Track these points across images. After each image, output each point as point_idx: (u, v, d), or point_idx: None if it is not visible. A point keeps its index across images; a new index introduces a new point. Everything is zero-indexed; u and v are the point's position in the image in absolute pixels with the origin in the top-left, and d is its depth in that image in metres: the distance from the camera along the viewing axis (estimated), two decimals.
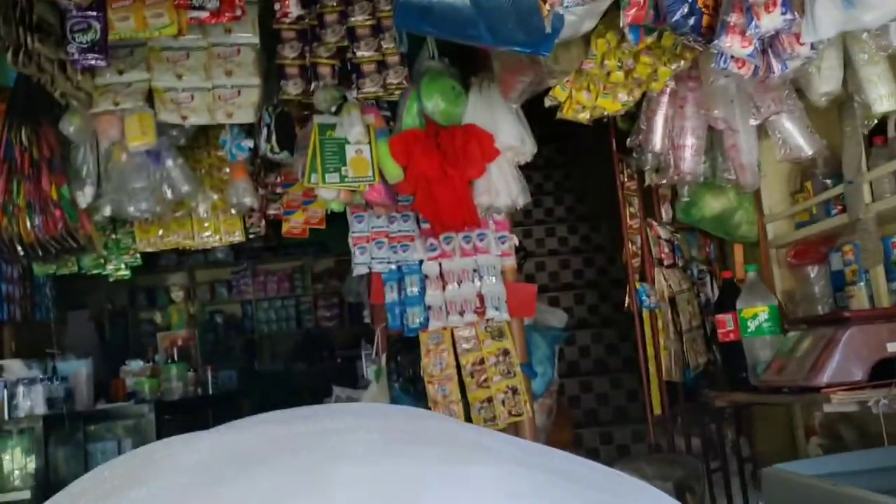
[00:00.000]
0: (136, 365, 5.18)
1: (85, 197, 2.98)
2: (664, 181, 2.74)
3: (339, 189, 3.06)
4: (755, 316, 2.64)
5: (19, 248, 2.94)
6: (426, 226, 3.90)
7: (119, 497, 0.57)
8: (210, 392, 5.57)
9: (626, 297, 3.65)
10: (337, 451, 0.62)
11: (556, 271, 6.44)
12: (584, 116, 2.70)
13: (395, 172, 3.08)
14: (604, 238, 6.67)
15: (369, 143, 3.05)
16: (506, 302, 3.90)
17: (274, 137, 3.08)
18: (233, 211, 3.98)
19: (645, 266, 3.58)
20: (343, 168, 3.01)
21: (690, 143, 2.53)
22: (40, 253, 2.99)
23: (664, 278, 3.49)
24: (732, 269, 3.49)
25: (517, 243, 4.07)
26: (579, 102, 2.62)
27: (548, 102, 2.78)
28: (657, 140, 2.60)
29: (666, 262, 3.54)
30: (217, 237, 3.99)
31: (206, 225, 3.96)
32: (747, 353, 2.68)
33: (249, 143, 3.19)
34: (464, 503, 0.54)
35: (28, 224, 2.92)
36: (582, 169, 6.92)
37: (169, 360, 5.54)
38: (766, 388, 2.43)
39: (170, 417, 4.50)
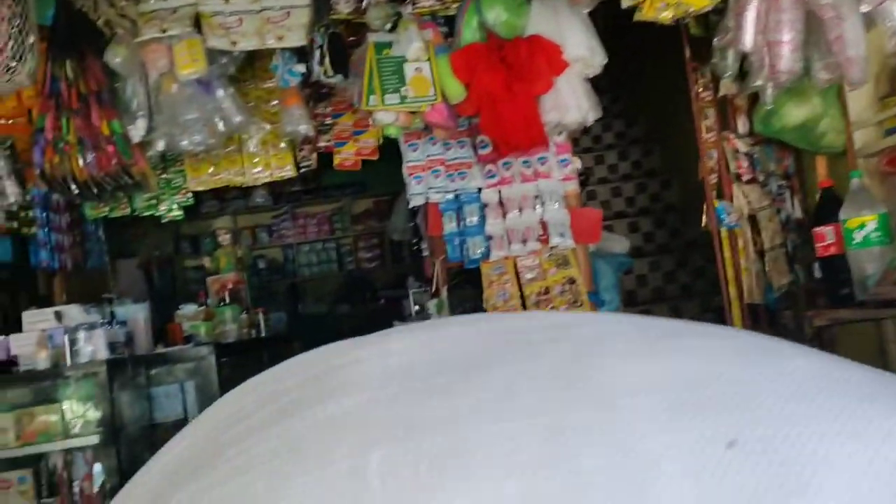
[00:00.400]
0: (189, 309, 5.12)
1: (137, 130, 2.86)
2: (757, 83, 2.52)
3: (398, 111, 2.90)
4: (861, 226, 2.45)
5: (73, 186, 2.83)
6: (485, 151, 3.74)
7: (312, 411, 0.44)
8: (263, 334, 5.50)
9: (703, 217, 3.47)
10: (593, 349, 0.48)
11: (608, 199, 6.24)
12: (666, 16, 2.50)
13: (456, 91, 2.91)
14: (657, 162, 6.44)
15: (428, 60, 2.88)
16: (570, 228, 3.75)
17: (327, 60, 2.92)
18: (282, 145, 3.86)
19: (722, 183, 3.39)
20: (403, 88, 2.85)
21: (788, 38, 2.31)
22: (95, 191, 2.88)
23: (743, 195, 3.29)
24: (813, 182, 3.29)
25: (580, 167, 3.90)
26: (663, 0, 2.41)
27: (626, 3, 2.57)
28: (748, 38, 2.39)
29: (744, 178, 3.34)
30: (267, 173, 3.87)
31: (256, 161, 3.84)
32: (852, 267, 2.50)
33: (301, 68, 3.03)
34: (840, 405, 0.40)
35: (80, 161, 2.81)
36: (630, 92, 6.65)
37: (221, 303, 5.48)
38: (878, 302, 2.26)
39: (227, 359, 4.43)
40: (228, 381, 4.35)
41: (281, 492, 0.39)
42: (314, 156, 3.86)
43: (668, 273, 5.80)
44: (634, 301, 5.68)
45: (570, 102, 2.96)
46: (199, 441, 0.47)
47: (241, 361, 4.94)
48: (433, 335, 0.55)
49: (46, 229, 5.85)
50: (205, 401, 4.13)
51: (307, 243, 10.58)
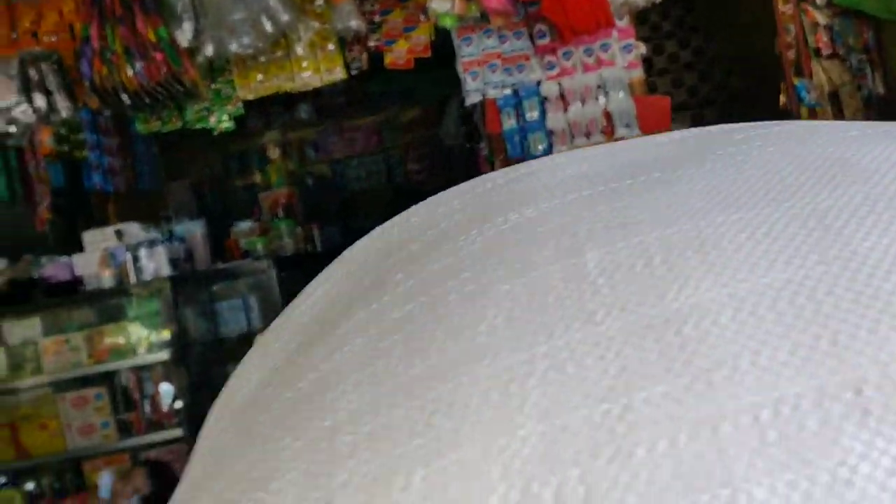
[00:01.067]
0: (244, 225, 5.10)
1: (185, 34, 2.74)
2: None
3: None
4: None
5: (124, 96, 2.74)
6: (543, 41, 3.55)
7: (490, 224, 0.34)
8: (318, 248, 5.47)
9: (781, 96, 3.25)
10: (823, 136, 0.36)
11: (668, 91, 5.98)
12: None
13: None
14: (720, 48, 6.13)
15: None
16: (636, 118, 3.57)
17: None
18: (331, 47, 3.70)
19: (801, 59, 3.16)
20: None
21: None
22: (147, 101, 2.79)
23: (823, 70, 3.07)
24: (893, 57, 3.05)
25: (644, 52, 3.68)
26: None
27: None
28: None
29: (824, 53, 3.11)
30: (317, 77, 3.72)
31: (304, 65, 3.69)
32: None
33: None
34: None
35: (129, 71, 2.71)
36: None
37: (275, 218, 5.46)
38: None
39: (285, 273, 4.40)
40: (289, 294, 4.35)
41: (479, 301, 0.30)
42: (364, 56, 3.70)
43: None
44: None
45: None
46: (352, 278, 0.37)
47: (298, 275, 4.94)
48: (612, 147, 0.44)
49: (98, 152, 5.84)
50: (268, 314, 4.13)
51: (355, 157, 10.48)
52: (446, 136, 6.91)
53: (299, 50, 3.63)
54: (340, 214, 9.84)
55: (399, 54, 3.71)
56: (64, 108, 2.88)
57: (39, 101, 2.81)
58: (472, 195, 0.41)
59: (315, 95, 10.23)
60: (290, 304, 0.49)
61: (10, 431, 3.53)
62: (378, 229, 0.45)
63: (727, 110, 5.77)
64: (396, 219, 0.45)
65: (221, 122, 3.85)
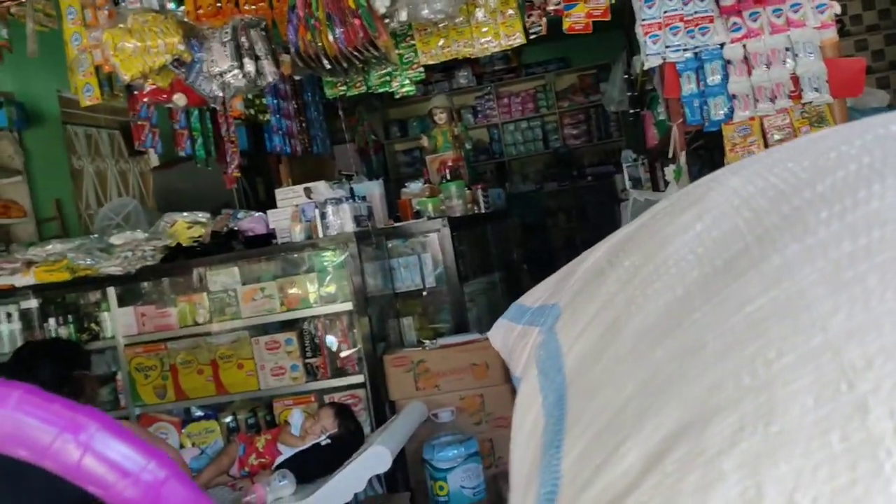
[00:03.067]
0: (415, 186, 5.27)
1: (384, 1, 2.89)
2: None
3: None
4: None
5: (325, 62, 2.93)
6: (729, 1, 3.47)
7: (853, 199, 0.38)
8: (483, 210, 5.58)
9: None
10: None
11: (852, 54, 5.65)
12: None
13: None
14: None
15: None
16: (826, 81, 3.44)
17: None
18: (510, 12, 3.78)
19: None
20: None
21: None
22: (345, 65, 2.97)
23: None
24: None
25: (838, 11, 3.53)
26: None
27: None
28: None
29: None
30: (496, 42, 3.81)
31: (484, 30, 3.79)
32: None
33: None
34: None
35: (330, 36, 2.89)
36: None
37: (443, 181, 5.61)
38: None
39: (456, 233, 4.54)
40: (459, 253, 4.49)
41: None
42: (543, 21, 3.75)
43: None
44: None
45: None
46: (744, 218, 0.42)
47: (467, 235, 5.09)
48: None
49: (278, 116, 6.21)
50: (441, 272, 4.30)
51: (512, 122, 10.55)
52: (609, 103, 6.83)
53: (480, 15, 3.73)
54: (497, 178, 9.97)
55: (578, 18, 3.73)
56: (270, 73, 3.11)
57: (249, 66, 3.05)
58: (874, 137, 0.44)
59: (473, 62, 10.37)
60: (637, 233, 0.55)
61: (212, 369, 3.89)
62: (736, 178, 0.49)
63: None
64: (760, 165, 0.49)
65: (403, 86, 4.01)
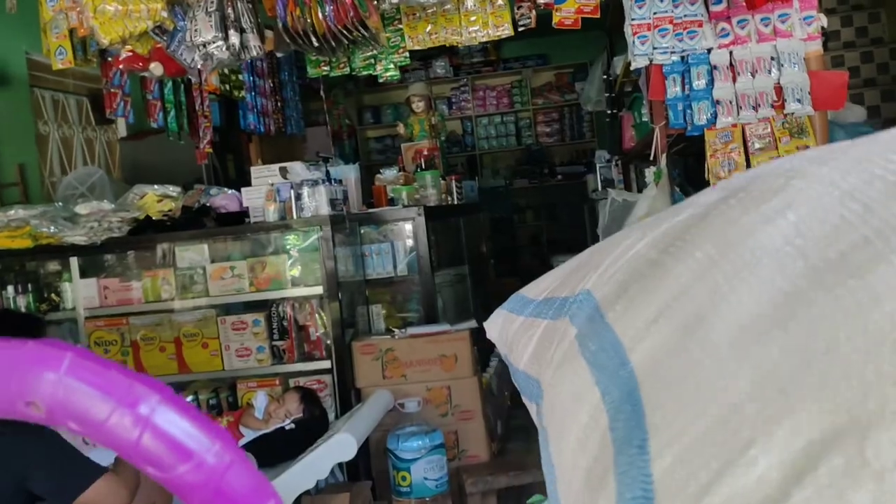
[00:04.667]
0: (389, 174, 5.22)
1: None
2: None
3: None
4: None
5: (313, 39, 2.87)
6: (719, 7, 3.47)
7: None
8: (456, 201, 5.54)
9: None
10: None
11: (857, 66, 5.69)
12: None
13: None
14: (885, 30, 5.81)
15: None
16: (809, 93, 3.46)
17: None
18: (500, 2, 3.74)
19: None
20: None
21: None
22: (333, 44, 2.90)
23: None
24: None
25: (825, 25, 3.55)
26: None
27: None
28: None
29: None
30: (484, 32, 3.77)
31: (473, 19, 3.75)
32: None
33: None
34: None
35: (320, 13, 2.83)
36: None
37: (418, 169, 5.56)
38: None
39: (431, 223, 4.50)
40: (432, 243, 4.45)
41: None
42: (533, 13, 3.72)
43: None
44: None
45: None
46: (854, 211, 0.39)
47: (440, 226, 5.04)
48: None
49: (253, 94, 6.10)
50: (414, 259, 4.25)
51: (486, 116, 10.53)
52: (587, 102, 6.83)
53: (470, 3, 3.69)
54: (468, 171, 9.94)
55: (568, 14, 3.70)
56: (255, 47, 3.03)
57: (234, 38, 2.97)
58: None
59: (451, 53, 10.33)
60: (698, 224, 0.51)
61: (175, 347, 3.80)
62: (827, 169, 0.46)
63: (891, 93, 5.48)
64: (854, 156, 0.46)
65: (388, 70, 3.95)
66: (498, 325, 0.97)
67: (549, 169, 10.41)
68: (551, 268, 0.96)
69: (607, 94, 6.43)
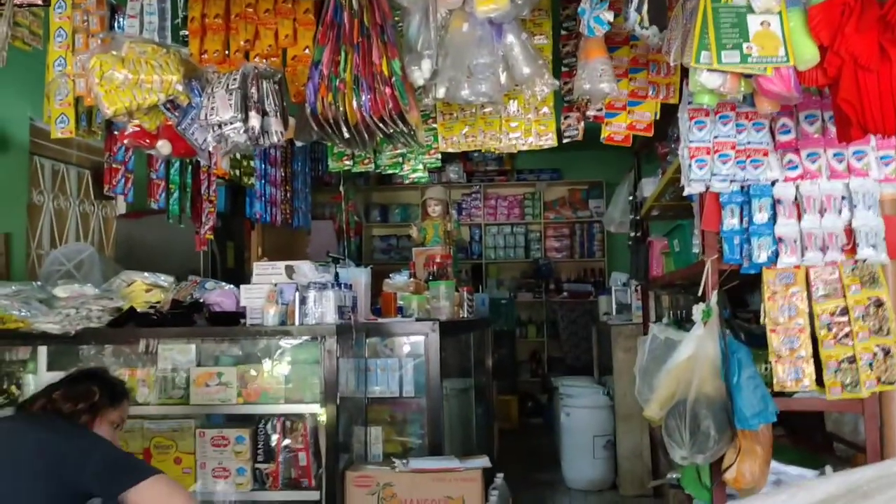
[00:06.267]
0: (400, 279, 4.83)
1: (422, 72, 2.50)
2: None
3: (731, 72, 2.37)
4: None
5: (344, 129, 2.52)
6: (786, 137, 3.16)
7: None
8: (467, 315, 5.11)
9: None
10: None
11: None
12: None
13: (809, 53, 2.35)
14: None
15: (779, 13, 2.34)
16: (884, 239, 3.11)
17: (645, 6, 2.44)
18: (545, 110, 3.44)
19: None
20: (745, 45, 2.32)
21: None
22: (365, 136, 2.56)
23: None
24: None
25: None
26: None
27: None
28: None
29: None
30: (526, 140, 3.45)
31: (514, 125, 3.43)
32: None
33: (610, 16, 2.57)
34: None
35: (355, 102, 2.50)
36: None
37: (430, 277, 5.18)
38: None
39: (444, 339, 4.05)
40: (444, 362, 3.99)
41: None
42: (581, 125, 3.41)
43: None
44: None
45: None
46: None
47: (451, 342, 4.59)
48: None
49: (263, 181, 5.78)
50: (423, 379, 3.80)
51: (495, 225, 10.28)
52: (610, 223, 6.53)
53: (513, 108, 3.38)
54: (473, 279, 9.57)
55: (618, 129, 3.41)
56: (276, 132, 2.69)
57: (254, 121, 2.63)
58: None
59: (466, 159, 10.15)
60: None
61: (143, 458, 3.31)
62: None
63: None
64: None
65: (416, 170, 3.61)
66: None
67: (555, 284, 10.10)
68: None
69: (632, 217, 6.12)
